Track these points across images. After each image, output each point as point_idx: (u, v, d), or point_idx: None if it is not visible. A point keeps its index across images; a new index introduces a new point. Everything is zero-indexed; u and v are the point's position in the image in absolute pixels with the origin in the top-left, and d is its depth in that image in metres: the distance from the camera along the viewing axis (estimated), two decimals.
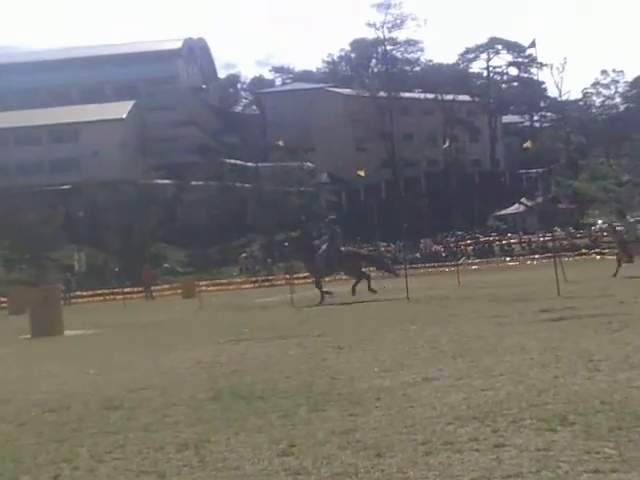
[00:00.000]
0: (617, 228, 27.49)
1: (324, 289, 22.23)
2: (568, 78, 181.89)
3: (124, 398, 7.39)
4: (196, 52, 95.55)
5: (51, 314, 17.67)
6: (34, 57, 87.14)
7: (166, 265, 58.06)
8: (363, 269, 23.41)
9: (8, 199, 56.05)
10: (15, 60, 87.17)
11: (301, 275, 45.17)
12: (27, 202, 55.15)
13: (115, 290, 42.83)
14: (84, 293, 44.46)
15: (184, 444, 5.33)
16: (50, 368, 10.52)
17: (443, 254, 53.26)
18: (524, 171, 78.23)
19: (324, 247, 22.84)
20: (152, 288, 41.72)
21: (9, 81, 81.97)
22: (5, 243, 55.30)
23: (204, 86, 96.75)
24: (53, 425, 6.38)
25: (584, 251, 47.21)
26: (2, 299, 39.73)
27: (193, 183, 65.80)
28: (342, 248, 23.54)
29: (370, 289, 21.60)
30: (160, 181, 65.25)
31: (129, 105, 76.87)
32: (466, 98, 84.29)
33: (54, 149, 71.12)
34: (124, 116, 74.43)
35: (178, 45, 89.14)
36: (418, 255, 53.44)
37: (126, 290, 37.74)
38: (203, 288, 36.17)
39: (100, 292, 44.67)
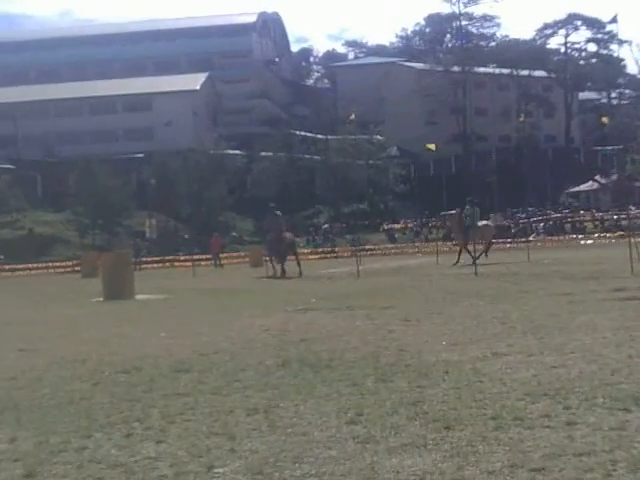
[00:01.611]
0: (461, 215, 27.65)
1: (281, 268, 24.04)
2: None
3: (194, 361, 7.52)
4: (270, 26, 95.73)
5: (123, 278, 18.00)
6: (111, 29, 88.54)
7: (234, 234, 58.64)
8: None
9: (83, 166, 57.19)
10: (92, 32, 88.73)
11: (367, 247, 45.32)
12: (101, 169, 56.13)
13: (184, 257, 43.59)
14: (154, 259, 45.31)
15: (253, 408, 5.40)
16: (122, 330, 10.75)
17: (512, 230, 52.42)
18: (599, 148, 76.38)
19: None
20: (220, 256, 42.16)
21: (86, 52, 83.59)
22: (79, 209, 56.54)
23: (277, 59, 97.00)
24: (126, 385, 6.53)
25: None
26: (76, 262, 40.76)
27: (263, 154, 66.12)
28: (286, 234, 25.55)
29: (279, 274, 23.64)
30: (231, 151, 65.79)
31: (203, 77, 77.47)
32: (542, 74, 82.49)
33: (128, 118, 72.26)
34: (197, 87, 75.04)
35: (252, 19, 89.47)
36: None
37: (195, 257, 38.23)
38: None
39: (170, 258, 45.48)
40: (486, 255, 25.71)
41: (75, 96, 72.37)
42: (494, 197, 61.19)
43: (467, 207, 27.44)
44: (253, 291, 18.05)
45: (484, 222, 28.63)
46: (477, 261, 21.86)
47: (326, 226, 60.50)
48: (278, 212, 25.94)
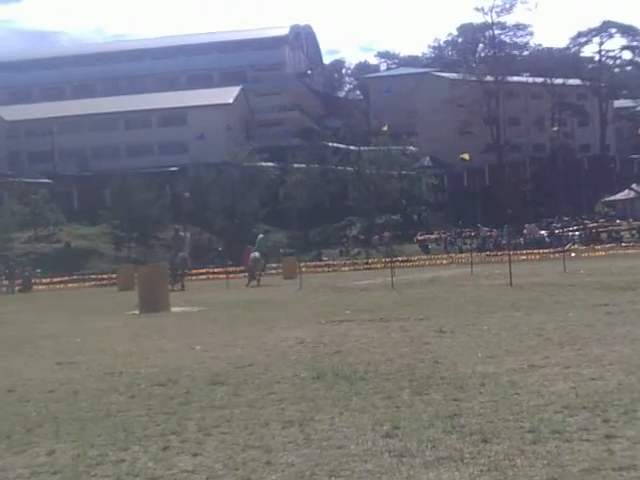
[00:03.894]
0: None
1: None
2: None
3: (229, 374, 7.55)
4: (302, 38, 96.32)
5: (158, 291, 18.12)
6: (144, 44, 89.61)
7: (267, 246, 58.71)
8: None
9: (119, 180, 57.79)
10: (126, 47, 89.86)
11: (401, 259, 45.16)
12: (136, 183, 56.68)
13: (218, 269, 43.80)
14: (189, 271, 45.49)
15: (289, 421, 5.40)
16: (158, 343, 10.82)
17: (547, 240, 51.95)
18: (636, 156, 75.50)
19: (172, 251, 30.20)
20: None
21: (121, 67, 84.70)
22: (115, 222, 57.09)
23: (309, 72, 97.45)
24: (162, 398, 6.57)
25: None
26: (112, 276, 41.11)
27: (295, 166, 66.27)
28: (181, 254, 29.52)
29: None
30: (264, 164, 66.07)
31: (236, 90, 78.00)
32: (576, 82, 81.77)
33: (163, 132, 73.02)
34: (230, 101, 75.56)
35: (285, 32, 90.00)
36: (522, 241, 52.32)
37: (229, 269, 38.37)
38: (304, 269, 36.42)
39: (204, 271, 45.69)
40: (260, 282, 29.34)
41: (110, 111, 73.23)
42: (528, 207, 60.69)
43: (260, 235, 32.71)
44: (287, 303, 18.06)
45: (256, 254, 30.69)
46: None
47: (376, 237, 60.19)
48: (181, 233, 30.75)
